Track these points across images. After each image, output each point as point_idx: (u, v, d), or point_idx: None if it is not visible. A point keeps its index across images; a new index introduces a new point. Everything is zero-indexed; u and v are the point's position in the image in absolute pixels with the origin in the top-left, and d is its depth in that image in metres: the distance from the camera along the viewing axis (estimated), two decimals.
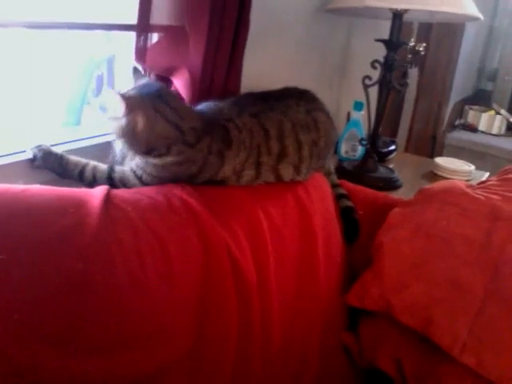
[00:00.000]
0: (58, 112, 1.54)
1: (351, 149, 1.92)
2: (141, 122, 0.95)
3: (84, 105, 1.64)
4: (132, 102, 0.94)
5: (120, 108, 0.93)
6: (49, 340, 0.68)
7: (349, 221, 1.34)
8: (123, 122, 0.94)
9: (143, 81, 1.03)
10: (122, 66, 1.39)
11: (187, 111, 1.03)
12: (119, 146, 1.01)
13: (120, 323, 0.76)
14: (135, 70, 1.08)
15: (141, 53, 1.13)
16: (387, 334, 1.17)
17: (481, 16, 1.53)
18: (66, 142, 1.13)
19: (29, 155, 1.02)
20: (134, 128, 0.95)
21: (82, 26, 1.08)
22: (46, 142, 1.04)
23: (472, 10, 1.49)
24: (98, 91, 1.83)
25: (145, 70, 1.17)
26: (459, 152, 3.16)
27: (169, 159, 0.99)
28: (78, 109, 1.60)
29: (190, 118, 1.01)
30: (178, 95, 1.05)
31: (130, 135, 0.96)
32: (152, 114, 0.96)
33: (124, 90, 0.98)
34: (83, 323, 0.72)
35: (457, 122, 3.83)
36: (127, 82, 1.04)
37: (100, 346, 0.73)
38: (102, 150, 1.10)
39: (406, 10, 1.59)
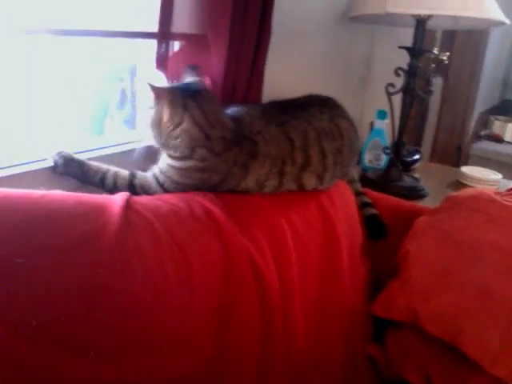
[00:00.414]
0: (81, 120, 1.54)
1: (375, 158, 1.89)
2: (166, 113, 0.96)
3: (107, 114, 1.64)
4: (160, 93, 0.97)
5: (150, 98, 0.96)
6: (66, 346, 0.67)
7: (376, 224, 1.31)
8: (152, 111, 0.98)
9: (190, 79, 1.04)
10: (144, 76, 1.39)
11: (220, 119, 1.02)
12: (149, 139, 1.02)
13: (139, 330, 0.75)
14: (191, 67, 1.08)
15: (162, 61, 1.12)
16: (415, 344, 1.13)
17: (507, 20, 1.49)
18: (88, 151, 1.13)
19: (50, 162, 1.02)
20: (161, 119, 0.97)
21: (104, 33, 1.09)
22: (68, 149, 1.04)
23: (497, 14, 1.46)
24: (122, 105, 1.83)
25: (166, 77, 1.16)
26: (485, 162, 3.09)
27: (191, 163, 0.98)
28: (100, 118, 1.60)
29: (220, 127, 1.01)
30: (216, 103, 1.04)
31: (156, 125, 0.98)
32: (179, 109, 0.97)
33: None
34: (101, 330, 0.71)
35: (482, 133, 3.77)
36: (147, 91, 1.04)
37: (118, 353, 0.72)
38: (124, 159, 1.09)
39: (428, 17, 1.57)
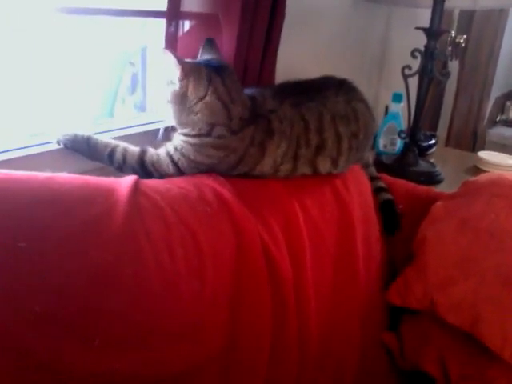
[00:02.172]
0: (91, 103, 1.52)
1: (390, 142, 1.85)
2: (191, 87, 0.94)
3: (117, 96, 1.62)
4: (188, 68, 0.94)
5: (175, 72, 0.94)
6: (73, 333, 0.64)
7: (389, 213, 1.28)
8: (177, 86, 0.95)
9: (209, 56, 1.02)
10: (154, 57, 1.37)
11: (240, 96, 1.00)
12: (168, 114, 1.00)
13: (148, 319, 0.72)
14: (208, 41, 1.06)
15: (171, 41, 1.09)
16: (431, 333, 1.11)
17: None
18: (99, 133, 1.10)
19: (54, 143, 0.99)
20: (185, 93, 0.95)
21: (112, 12, 1.06)
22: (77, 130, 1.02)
23: None
24: (133, 89, 1.81)
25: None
26: (501, 148, 3.04)
27: (209, 140, 0.97)
28: (111, 101, 1.58)
29: (239, 106, 0.99)
30: (237, 79, 1.02)
31: (179, 100, 0.96)
32: (205, 84, 0.95)
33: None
34: (109, 318, 0.68)
35: (498, 118, 3.70)
36: (160, 73, 1.01)
37: (126, 342, 0.70)
38: (136, 141, 1.07)
39: None
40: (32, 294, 0.62)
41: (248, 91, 1.06)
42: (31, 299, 0.62)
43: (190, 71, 0.94)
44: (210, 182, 0.93)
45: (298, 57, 1.52)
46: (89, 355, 0.65)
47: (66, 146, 0.99)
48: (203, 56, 1.03)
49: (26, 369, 0.61)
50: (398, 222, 1.27)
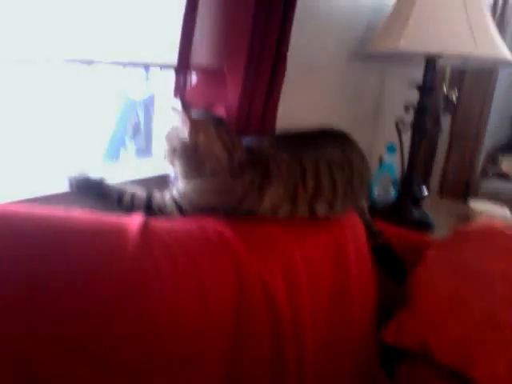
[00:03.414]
0: (96, 147, 1.58)
1: (384, 191, 1.91)
2: (202, 141, 1.00)
3: (122, 141, 1.69)
4: (197, 123, 1.00)
5: (185, 128, 0.99)
6: (85, 359, 0.69)
7: (390, 257, 1.33)
8: (187, 142, 1.00)
9: (197, 112, 1.07)
10: (161, 106, 1.43)
11: (238, 143, 1.06)
12: (175, 169, 1.05)
13: (152, 348, 0.76)
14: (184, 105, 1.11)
15: (180, 91, 1.16)
16: (426, 374, 1.13)
17: None
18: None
19: (66, 184, 1.03)
20: (196, 146, 1.00)
21: (123, 63, 1.13)
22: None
23: (507, 53, 1.50)
24: (135, 137, 1.88)
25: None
26: (493, 199, 3.10)
27: (210, 185, 1.02)
28: (116, 145, 1.65)
29: (239, 151, 1.05)
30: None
31: (190, 154, 1.01)
32: (214, 136, 1.01)
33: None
34: (119, 345, 0.72)
35: (490, 170, 3.77)
36: (165, 120, 1.07)
37: (135, 369, 0.74)
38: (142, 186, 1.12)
39: (439, 56, 1.61)
40: (47, 321, 0.67)
41: (246, 140, 1.12)
42: (46, 325, 0.66)
43: (199, 126, 1.00)
44: (212, 223, 0.98)
45: (298, 108, 1.59)
46: (101, 380, 0.69)
47: (77, 190, 1.04)
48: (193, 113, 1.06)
49: None
50: (403, 269, 1.31)
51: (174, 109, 1.00)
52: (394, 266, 1.32)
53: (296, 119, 1.33)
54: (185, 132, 1.00)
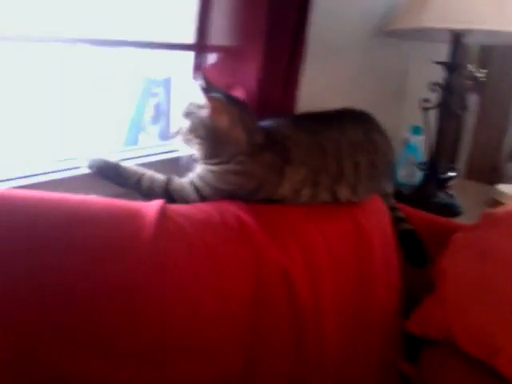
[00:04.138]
0: (115, 130, 1.56)
1: (409, 174, 1.86)
2: (224, 124, 0.98)
3: (141, 125, 1.66)
4: (219, 104, 0.97)
5: (207, 109, 0.96)
6: (96, 346, 0.67)
7: (413, 244, 1.27)
8: (208, 122, 0.98)
9: (218, 93, 1.04)
10: (179, 88, 1.41)
11: (256, 125, 1.05)
12: (192, 150, 1.03)
13: (169, 338, 0.74)
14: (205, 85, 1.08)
15: (198, 71, 1.13)
16: (451, 364, 1.09)
17: None
18: (124, 159, 1.13)
19: (85, 167, 1.02)
20: (217, 129, 0.98)
21: (141, 44, 1.10)
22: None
23: None
24: (156, 119, 1.85)
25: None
26: None
27: (229, 167, 1.00)
28: (135, 129, 1.62)
29: (257, 133, 1.03)
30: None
31: (211, 136, 0.99)
32: (235, 117, 0.99)
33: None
34: (134, 334, 0.70)
35: None
36: (184, 102, 1.05)
37: (146, 357, 0.71)
38: (160, 168, 1.10)
39: (466, 32, 1.55)
40: (59, 307, 0.65)
41: (266, 122, 1.09)
42: (58, 312, 0.64)
43: (221, 107, 0.98)
44: (232, 208, 0.95)
45: (319, 88, 1.55)
46: (110, 368, 0.67)
47: (95, 172, 1.02)
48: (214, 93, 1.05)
49: (49, 381, 0.63)
50: (424, 254, 1.25)
51: (195, 88, 0.97)
52: (416, 253, 1.27)
53: (316, 100, 1.30)
54: (206, 112, 0.97)
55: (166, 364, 0.73)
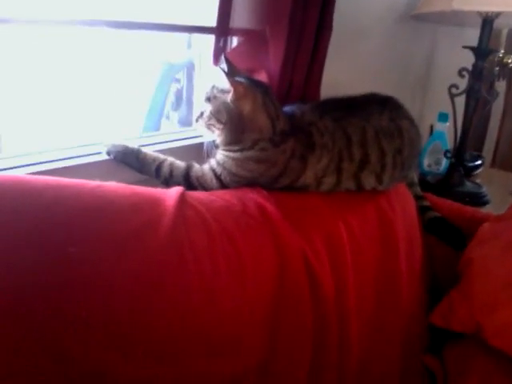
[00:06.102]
0: (136, 116, 1.55)
1: (435, 162, 1.82)
2: (248, 109, 0.96)
3: (163, 109, 1.65)
4: (243, 89, 0.96)
5: (231, 93, 0.95)
6: (116, 342, 0.65)
7: (448, 229, 1.26)
8: (231, 107, 0.96)
9: (241, 77, 1.02)
10: (202, 73, 1.38)
11: (281, 112, 1.02)
12: (214, 135, 1.01)
13: (188, 329, 0.72)
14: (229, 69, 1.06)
15: (219, 56, 1.11)
16: (476, 358, 1.07)
17: None
18: (146, 145, 1.12)
19: (104, 153, 1.01)
20: (241, 114, 0.96)
21: (161, 27, 1.08)
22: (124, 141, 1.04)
23: None
24: (178, 105, 1.84)
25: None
26: None
27: (250, 153, 0.98)
28: (157, 115, 1.61)
29: (282, 119, 1.01)
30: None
31: (233, 121, 0.97)
32: (259, 103, 0.98)
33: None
34: (150, 326, 0.68)
35: None
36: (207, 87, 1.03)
37: (167, 352, 0.69)
38: (181, 154, 1.08)
39: (496, 15, 1.50)
40: (79, 300, 0.63)
41: (289, 107, 1.07)
42: (78, 305, 0.63)
43: (245, 92, 0.96)
44: (253, 196, 0.93)
45: (343, 74, 1.52)
46: (131, 365, 0.65)
47: (115, 158, 1.01)
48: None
49: (69, 379, 0.61)
50: (463, 235, 1.24)
51: (218, 72, 0.95)
52: (454, 236, 1.25)
53: (341, 86, 1.26)
54: (229, 97, 0.95)
55: (185, 358, 0.71)
